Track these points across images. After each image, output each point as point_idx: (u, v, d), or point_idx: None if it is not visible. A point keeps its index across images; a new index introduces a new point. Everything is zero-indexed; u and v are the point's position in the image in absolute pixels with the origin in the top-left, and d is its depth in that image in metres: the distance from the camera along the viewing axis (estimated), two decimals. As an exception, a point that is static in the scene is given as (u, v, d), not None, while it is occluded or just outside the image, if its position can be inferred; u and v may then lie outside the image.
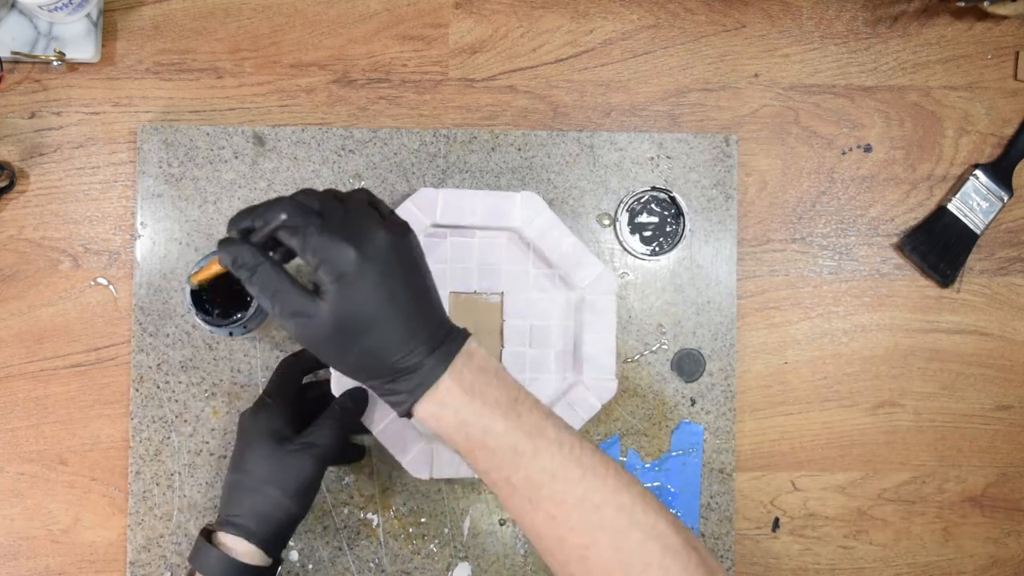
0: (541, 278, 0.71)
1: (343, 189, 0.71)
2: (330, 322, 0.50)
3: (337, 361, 0.53)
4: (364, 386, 0.61)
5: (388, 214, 0.54)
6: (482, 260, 0.71)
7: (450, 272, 0.71)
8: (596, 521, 0.52)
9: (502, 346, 0.71)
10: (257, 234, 0.51)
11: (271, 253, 0.52)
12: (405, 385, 0.52)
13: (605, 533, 0.52)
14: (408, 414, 0.53)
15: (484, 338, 0.71)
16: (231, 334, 0.64)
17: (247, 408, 0.64)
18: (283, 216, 0.50)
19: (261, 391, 0.67)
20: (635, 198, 0.72)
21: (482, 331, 0.71)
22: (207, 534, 0.61)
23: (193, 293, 0.62)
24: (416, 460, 0.67)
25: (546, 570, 0.71)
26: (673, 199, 0.72)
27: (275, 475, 0.60)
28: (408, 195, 0.70)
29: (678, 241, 0.72)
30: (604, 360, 0.69)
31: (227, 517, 0.60)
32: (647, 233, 0.73)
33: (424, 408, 0.52)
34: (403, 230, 0.53)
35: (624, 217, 0.72)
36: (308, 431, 0.61)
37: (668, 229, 0.73)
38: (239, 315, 0.62)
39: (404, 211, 0.68)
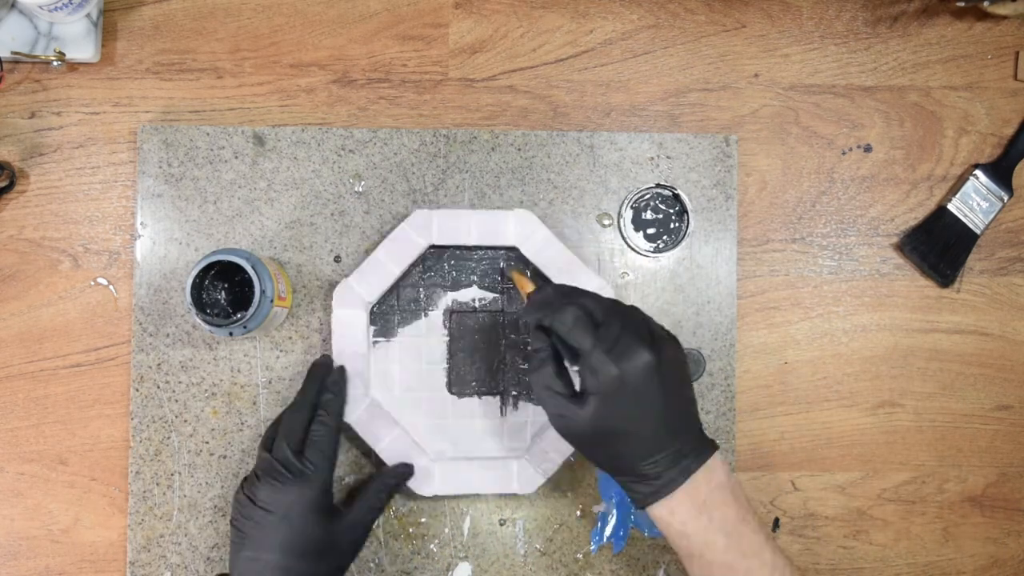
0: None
1: (342, 189, 0.71)
2: (587, 428, 0.56)
3: (587, 455, 0.59)
4: (409, 464, 0.68)
5: (658, 331, 0.58)
6: (482, 275, 0.71)
7: (452, 291, 0.71)
8: None
9: (503, 353, 0.71)
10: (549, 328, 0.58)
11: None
12: (644, 488, 0.57)
13: None
14: (642, 508, 0.58)
15: (485, 351, 0.71)
16: (231, 334, 0.64)
17: (273, 471, 0.62)
18: (568, 326, 0.57)
19: (281, 447, 0.62)
20: (639, 196, 0.72)
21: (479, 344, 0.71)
22: None
23: (193, 293, 0.62)
24: (419, 478, 0.68)
25: (545, 570, 0.71)
26: (677, 196, 0.72)
27: (326, 553, 0.62)
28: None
29: (682, 238, 0.72)
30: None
31: None
32: (651, 231, 0.73)
33: (656, 510, 0.57)
34: (668, 350, 0.57)
35: (628, 214, 0.72)
36: (358, 505, 0.65)
37: (672, 226, 0.73)
38: (239, 315, 0.62)
39: (400, 233, 0.69)
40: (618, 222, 0.72)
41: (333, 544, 0.63)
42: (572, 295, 0.58)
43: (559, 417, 0.57)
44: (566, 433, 0.58)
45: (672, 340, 0.58)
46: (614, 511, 0.72)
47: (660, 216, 0.73)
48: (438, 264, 0.71)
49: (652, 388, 0.55)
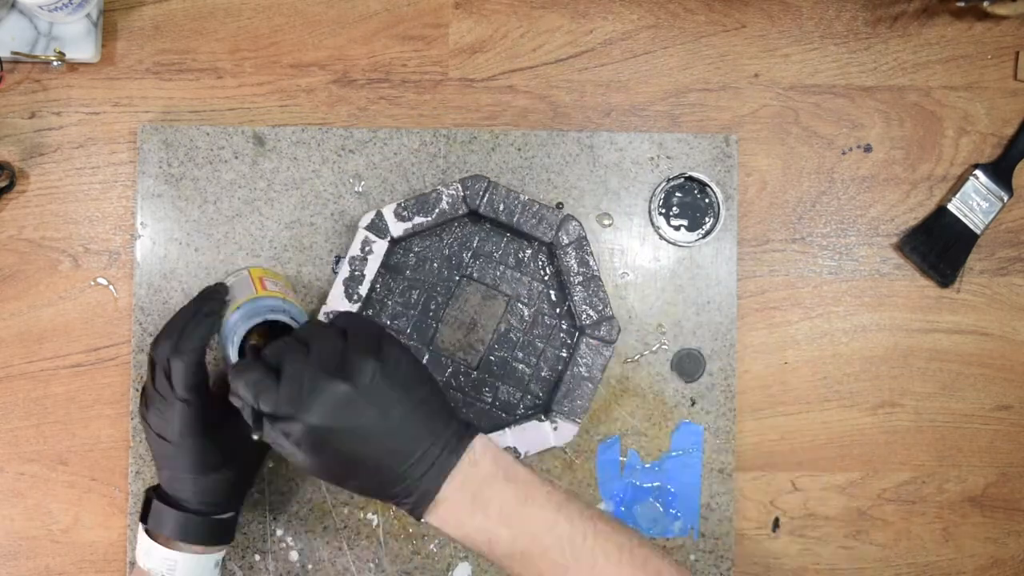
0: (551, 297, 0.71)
1: (342, 189, 0.71)
2: (313, 468, 0.52)
3: (340, 487, 0.55)
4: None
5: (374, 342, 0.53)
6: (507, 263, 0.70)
7: (478, 264, 0.70)
8: None
9: (495, 335, 0.71)
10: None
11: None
12: (408, 501, 0.53)
13: None
14: (420, 520, 0.54)
15: (479, 332, 0.71)
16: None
17: (156, 400, 0.58)
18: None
19: (161, 380, 0.58)
20: (669, 185, 0.72)
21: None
22: (156, 492, 0.60)
23: (242, 346, 0.58)
24: None
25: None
26: (704, 185, 0.72)
27: (229, 462, 0.60)
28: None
29: (715, 226, 0.72)
30: (578, 404, 0.68)
31: (177, 497, 0.59)
32: (684, 220, 0.73)
33: (431, 520, 0.53)
34: (392, 354, 0.53)
35: (658, 203, 0.72)
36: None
37: (700, 215, 0.73)
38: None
39: None
40: (651, 215, 0.72)
41: (234, 453, 0.60)
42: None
43: (291, 456, 0.52)
44: (303, 469, 0.53)
45: (389, 342, 0.54)
46: (613, 511, 0.72)
47: (688, 204, 0.73)
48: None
49: (361, 410, 0.51)
